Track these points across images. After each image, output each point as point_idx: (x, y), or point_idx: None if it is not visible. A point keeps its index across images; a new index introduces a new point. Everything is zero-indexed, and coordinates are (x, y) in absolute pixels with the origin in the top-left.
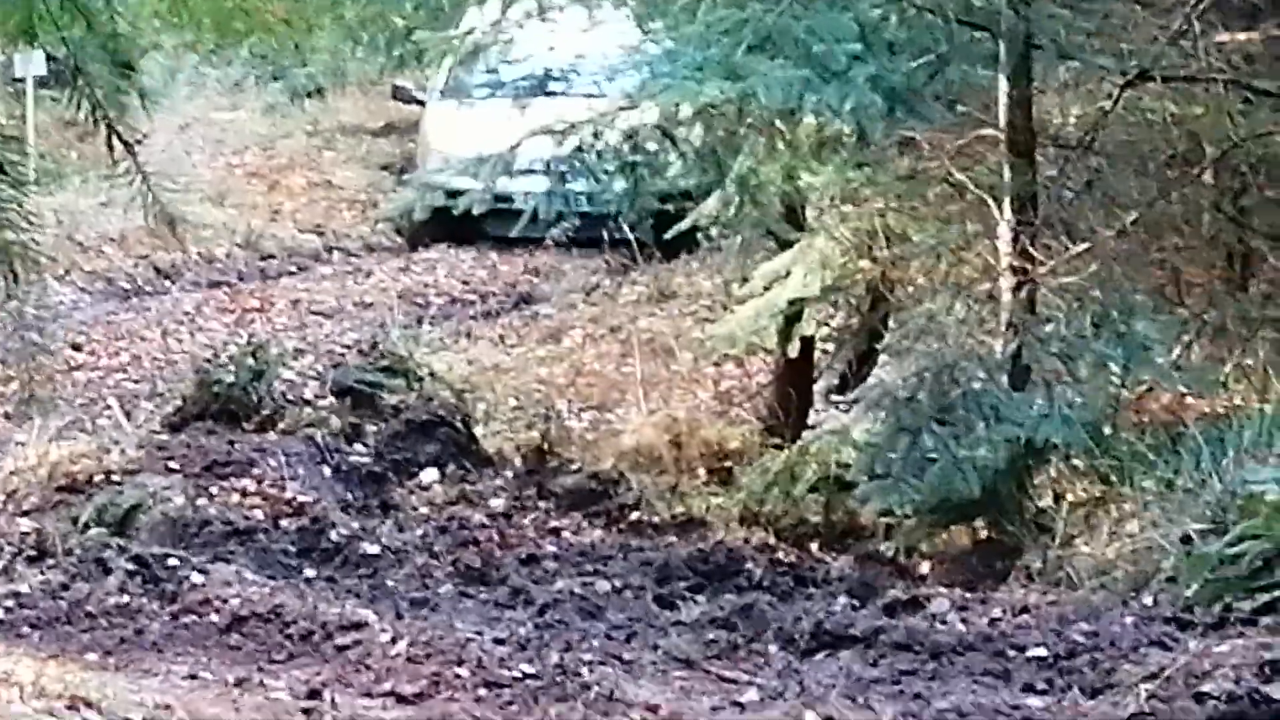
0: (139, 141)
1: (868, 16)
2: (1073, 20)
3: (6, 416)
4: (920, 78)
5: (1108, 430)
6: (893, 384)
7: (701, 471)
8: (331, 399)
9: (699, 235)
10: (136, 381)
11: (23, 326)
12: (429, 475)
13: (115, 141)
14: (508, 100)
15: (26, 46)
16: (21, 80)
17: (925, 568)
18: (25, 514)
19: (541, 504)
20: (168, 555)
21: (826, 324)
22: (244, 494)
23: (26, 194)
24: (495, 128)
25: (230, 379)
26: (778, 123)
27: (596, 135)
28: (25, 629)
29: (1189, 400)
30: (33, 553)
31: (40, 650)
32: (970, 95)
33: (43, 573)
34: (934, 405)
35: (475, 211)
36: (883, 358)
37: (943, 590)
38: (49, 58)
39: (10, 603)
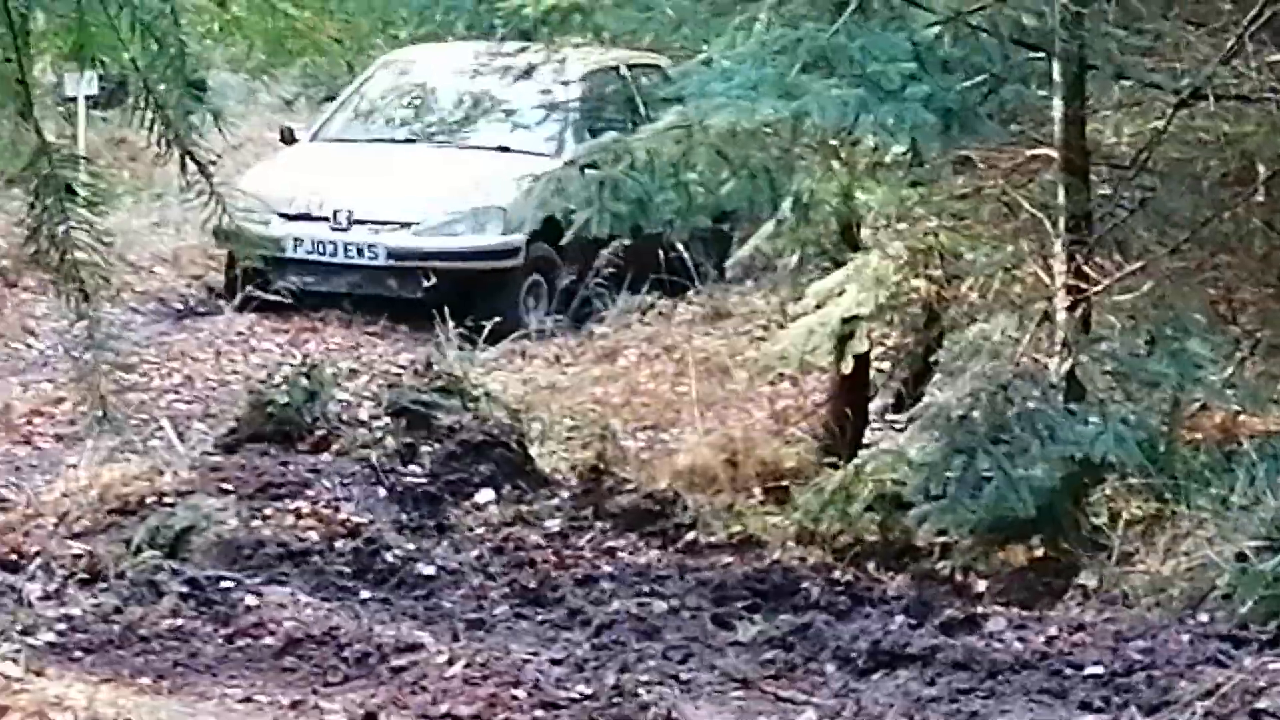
0: (212, 163)
1: (922, 36)
2: (1126, 40)
3: (58, 438)
4: (975, 97)
5: (1163, 448)
6: (947, 403)
7: (757, 491)
8: (386, 419)
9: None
10: (189, 402)
11: (87, 346)
12: (484, 495)
13: (188, 163)
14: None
15: (79, 67)
16: (73, 100)
17: (981, 586)
18: (77, 536)
19: (598, 524)
20: (221, 577)
21: (882, 343)
22: (298, 515)
23: (100, 215)
24: (323, 169)
25: (284, 400)
26: (832, 142)
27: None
28: (78, 653)
29: (1243, 418)
30: (85, 576)
31: (93, 674)
32: (1025, 115)
33: (95, 596)
34: (989, 424)
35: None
36: (938, 376)
37: (999, 609)
38: (100, 78)
39: (63, 626)
